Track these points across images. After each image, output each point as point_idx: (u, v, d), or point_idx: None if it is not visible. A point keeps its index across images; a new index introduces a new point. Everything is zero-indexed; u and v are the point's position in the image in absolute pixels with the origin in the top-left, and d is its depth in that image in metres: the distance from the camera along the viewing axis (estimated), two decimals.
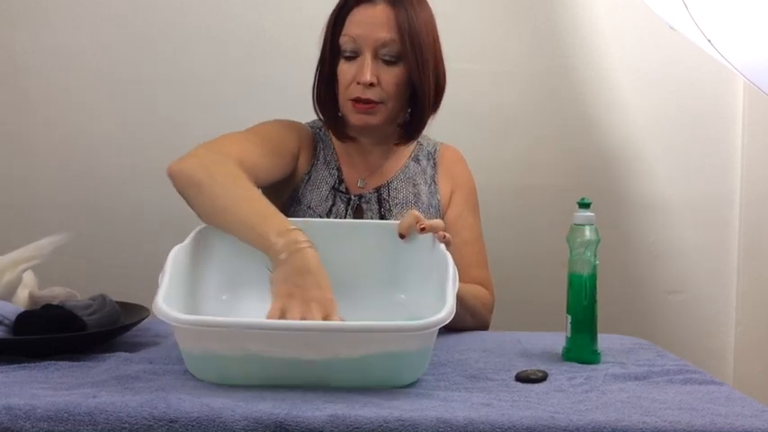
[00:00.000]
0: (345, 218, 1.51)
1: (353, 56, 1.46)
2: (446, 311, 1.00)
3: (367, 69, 1.44)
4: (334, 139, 1.59)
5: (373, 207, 1.53)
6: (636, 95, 2.05)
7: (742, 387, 1.87)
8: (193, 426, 0.89)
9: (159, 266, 1.11)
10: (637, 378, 1.11)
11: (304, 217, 1.50)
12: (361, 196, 1.54)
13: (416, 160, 1.60)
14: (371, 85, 1.45)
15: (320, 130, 1.60)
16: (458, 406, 0.94)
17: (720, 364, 2.08)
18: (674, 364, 1.19)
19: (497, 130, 2.05)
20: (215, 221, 1.24)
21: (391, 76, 1.46)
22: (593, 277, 1.20)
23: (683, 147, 2.07)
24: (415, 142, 1.62)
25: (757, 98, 1.99)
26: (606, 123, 2.06)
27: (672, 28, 1.66)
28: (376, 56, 1.45)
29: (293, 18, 2.01)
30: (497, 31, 2.04)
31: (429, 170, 1.60)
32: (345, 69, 1.48)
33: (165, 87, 2.02)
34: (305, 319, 1.09)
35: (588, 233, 1.21)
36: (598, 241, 1.21)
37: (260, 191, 1.30)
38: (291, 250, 1.14)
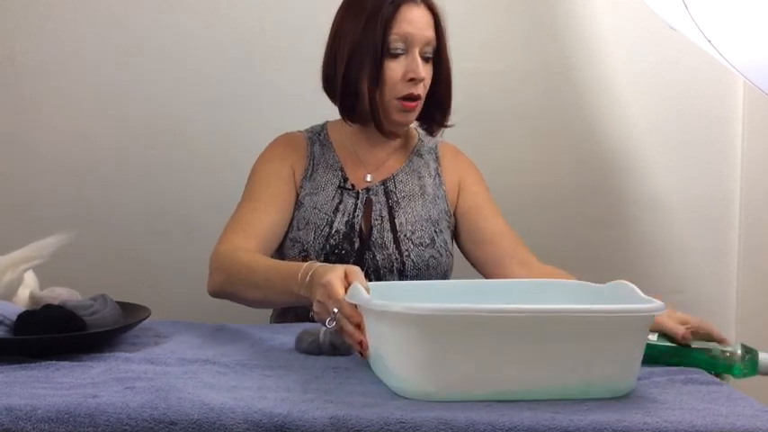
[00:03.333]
0: (355, 213, 1.53)
1: (401, 53, 1.49)
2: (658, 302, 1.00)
3: (419, 66, 1.49)
4: (334, 141, 1.61)
5: (381, 199, 1.56)
6: (636, 95, 2.05)
7: (742, 387, 1.87)
8: (193, 428, 0.89)
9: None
10: (637, 378, 1.11)
11: (309, 218, 1.53)
12: (368, 189, 1.56)
13: (419, 155, 1.64)
14: (422, 80, 1.50)
15: (319, 135, 1.62)
16: (458, 406, 0.94)
17: None
18: None
19: (496, 130, 2.05)
20: (265, 306, 1.48)
21: (429, 73, 1.52)
22: None
23: (683, 147, 2.06)
24: (417, 139, 1.66)
25: (757, 98, 1.98)
26: (606, 123, 2.06)
27: (672, 28, 1.66)
28: (420, 53, 1.50)
29: (292, 19, 2.00)
30: (497, 31, 2.04)
31: (432, 164, 1.63)
32: (393, 67, 1.49)
33: (165, 87, 2.02)
34: (318, 311, 1.16)
35: None
36: None
37: (265, 258, 1.43)
38: (307, 280, 1.23)
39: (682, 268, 2.08)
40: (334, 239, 1.50)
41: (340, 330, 1.12)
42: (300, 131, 1.64)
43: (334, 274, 1.14)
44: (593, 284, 1.21)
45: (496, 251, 1.56)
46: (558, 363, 0.97)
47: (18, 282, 1.27)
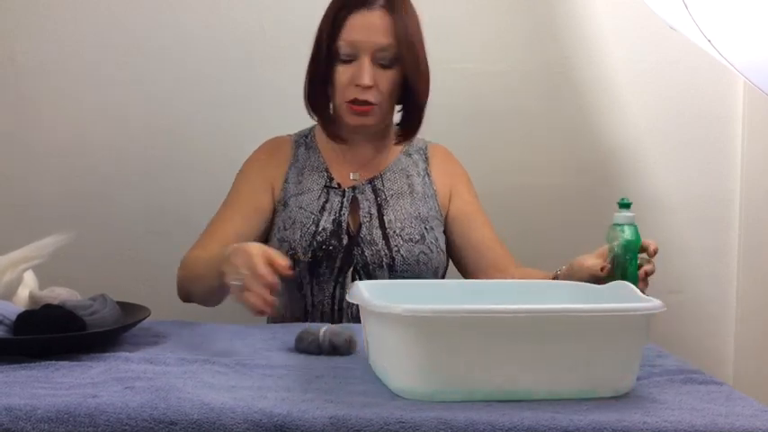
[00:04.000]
0: (341, 211, 1.54)
1: (350, 59, 1.50)
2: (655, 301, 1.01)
3: (366, 73, 1.48)
4: (320, 143, 1.61)
5: (369, 197, 1.57)
6: (636, 95, 2.05)
7: (742, 387, 1.87)
8: (193, 428, 0.89)
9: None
10: (637, 378, 1.11)
11: (295, 218, 1.54)
12: (354, 188, 1.57)
13: (408, 155, 1.64)
14: (369, 87, 1.49)
15: (306, 137, 1.64)
16: (458, 406, 0.94)
17: (720, 364, 2.08)
18: (673, 364, 1.19)
19: (496, 130, 2.05)
20: (212, 297, 1.46)
21: (387, 79, 1.51)
22: None
23: (683, 147, 2.06)
24: None
25: (757, 98, 1.98)
26: (606, 123, 2.06)
27: (672, 28, 1.66)
28: (373, 59, 1.49)
29: (292, 19, 2.00)
30: (498, 32, 2.04)
31: (421, 164, 1.64)
32: (342, 72, 1.51)
33: (165, 87, 2.02)
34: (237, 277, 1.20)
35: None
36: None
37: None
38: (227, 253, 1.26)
39: (682, 268, 2.08)
40: (321, 236, 1.51)
41: (246, 289, 1.17)
42: (289, 135, 1.66)
43: (255, 243, 1.24)
44: (593, 285, 1.22)
45: (482, 261, 1.59)
46: (558, 362, 0.97)
47: (17, 282, 1.27)
